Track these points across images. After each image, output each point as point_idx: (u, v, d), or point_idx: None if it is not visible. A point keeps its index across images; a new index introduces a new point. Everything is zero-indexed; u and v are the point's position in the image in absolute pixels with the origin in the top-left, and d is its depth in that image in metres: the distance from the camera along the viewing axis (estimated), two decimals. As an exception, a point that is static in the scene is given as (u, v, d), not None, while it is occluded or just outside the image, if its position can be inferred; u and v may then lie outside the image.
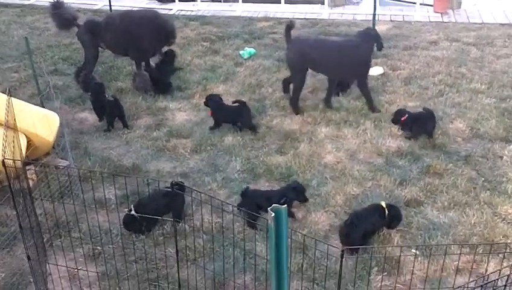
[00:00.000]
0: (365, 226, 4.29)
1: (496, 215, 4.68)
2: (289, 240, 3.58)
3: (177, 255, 3.60)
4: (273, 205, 2.07)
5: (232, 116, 6.32)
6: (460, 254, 3.95)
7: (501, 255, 4.10)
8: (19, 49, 8.85)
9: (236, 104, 6.32)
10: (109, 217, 4.49)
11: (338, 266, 2.74)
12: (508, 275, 2.60)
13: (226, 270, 3.95)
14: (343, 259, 3.24)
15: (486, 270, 3.83)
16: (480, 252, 4.16)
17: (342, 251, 2.39)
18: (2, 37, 9.92)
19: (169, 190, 4.02)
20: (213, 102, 6.37)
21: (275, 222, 2.08)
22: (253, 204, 4.50)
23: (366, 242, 4.29)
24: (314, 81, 7.43)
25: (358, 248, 4.11)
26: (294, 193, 4.72)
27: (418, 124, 5.99)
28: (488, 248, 4.16)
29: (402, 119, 6.02)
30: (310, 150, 5.75)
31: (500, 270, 3.54)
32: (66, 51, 8.95)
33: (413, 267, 3.97)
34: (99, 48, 7.38)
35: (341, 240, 4.34)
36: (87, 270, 3.95)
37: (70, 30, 7.65)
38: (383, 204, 4.43)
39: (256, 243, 4.18)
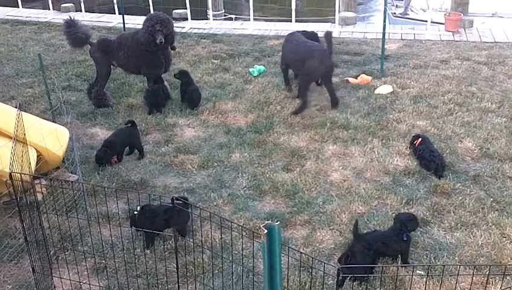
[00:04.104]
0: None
1: (504, 237, 4.59)
2: (287, 257, 3.63)
3: (177, 271, 3.62)
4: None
5: (125, 138, 6.13)
6: (472, 275, 3.87)
7: (509, 278, 4.03)
8: (34, 65, 9.04)
9: (128, 124, 6.23)
10: (114, 232, 4.56)
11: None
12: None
13: (228, 287, 3.95)
14: (343, 278, 3.25)
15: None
16: (488, 273, 4.08)
17: (338, 269, 2.38)
18: (18, 53, 10.17)
19: (172, 205, 4.07)
20: None
21: (268, 239, 2.09)
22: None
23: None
24: (322, 98, 7.47)
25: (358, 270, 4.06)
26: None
27: None
28: (496, 269, 4.10)
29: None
30: (316, 168, 5.74)
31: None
32: (80, 67, 9.12)
33: (422, 288, 3.92)
34: (112, 66, 7.54)
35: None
36: (90, 284, 3.98)
37: (83, 48, 7.86)
38: None
39: (259, 260, 4.17)
